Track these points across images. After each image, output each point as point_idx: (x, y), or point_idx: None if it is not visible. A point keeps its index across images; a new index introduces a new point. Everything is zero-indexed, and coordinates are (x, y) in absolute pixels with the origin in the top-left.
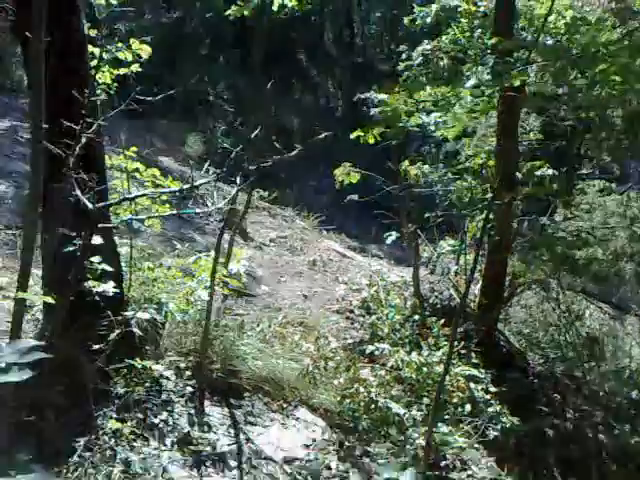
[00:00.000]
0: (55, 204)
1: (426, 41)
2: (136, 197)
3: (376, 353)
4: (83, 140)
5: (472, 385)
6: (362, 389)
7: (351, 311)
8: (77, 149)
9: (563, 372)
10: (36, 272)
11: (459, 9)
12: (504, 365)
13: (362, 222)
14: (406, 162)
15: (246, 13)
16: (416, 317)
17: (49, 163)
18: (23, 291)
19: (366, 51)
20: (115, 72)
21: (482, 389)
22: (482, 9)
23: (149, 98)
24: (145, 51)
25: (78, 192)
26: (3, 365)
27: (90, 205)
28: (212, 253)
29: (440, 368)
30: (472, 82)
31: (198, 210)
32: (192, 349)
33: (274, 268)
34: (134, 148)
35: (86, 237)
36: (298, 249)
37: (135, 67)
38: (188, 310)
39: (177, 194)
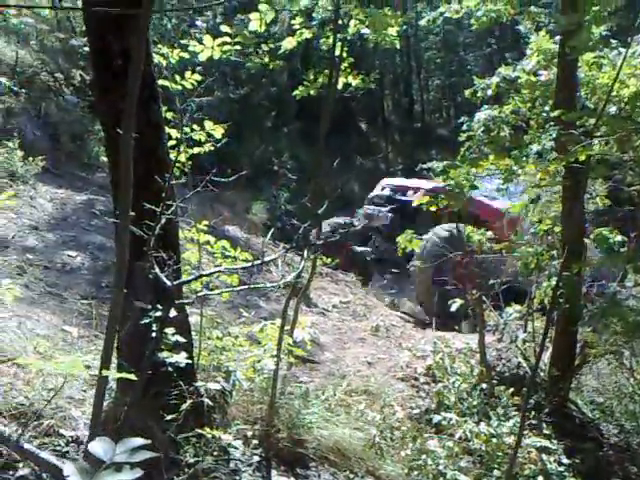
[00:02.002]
0: (136, 282)
1: (485, 106)
2: (212, 274)
3: (443, 423)
4: (162, 221)
5: (544, 457)
6: (430, 461)
7: (416, 379)
8: (157, 229)
9: (639, 444)
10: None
11: (519, 80)
12: (577, 436)
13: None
14: (469, 228)
15: (312, 93)
16: (483, 386)
17: (131, 242)
18: (106, 368)
19: (425, 117)
20: (190, 151)
21: (555, 461)
22: (543, 79)
23: (223, 179)
24: (218, 131)
25: (157, 270)
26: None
27: (169, 283)
28: (277, 320)
29: (510, 439)
30: (535, 149)
31: (269, 284)
32: (259, 417)
33: (337, 334)
34: (205, 221)
35: (164, 313)
36: (361, 314)
37: (208, 146)
38: (255, 378)
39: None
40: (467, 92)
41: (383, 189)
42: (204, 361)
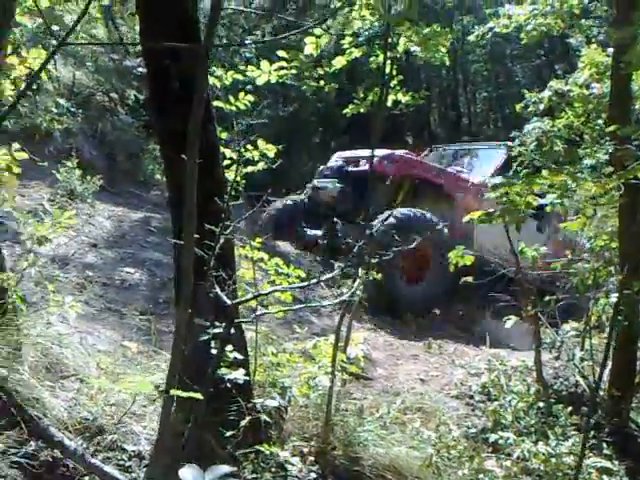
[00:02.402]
0: (198, 301)
1: (535, 119)
2: (269, 293)
3: (500, 442)
4: (221, 241)
5: (605, 478)
6: None
7: (471, 397)
8: (216, 249)
9: None
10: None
11: (572, 94)
12: (639, 457)
13: (474, 303)
14: (522, 244)
15: (362, 110)
16: (540, 404)
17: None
18: (171, 389)
19: (472, 129)
20: (244, 170)
21: None
22: (596, 92)
23: (274, 200)
24: (271, 150)
25: (217, 289)
26: None
27: (228, 302)
28: (330, 337)
29: (570, 459)
30: (589, 164)
31: (325, 302)
32: (314, 434)
33: (389, 350)
34: (259, 239)
35: (224, 332)
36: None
37: (262, 165)
38: (309, 395)
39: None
40: (518, 106)
41: (336, 162)
42: (260, 377)
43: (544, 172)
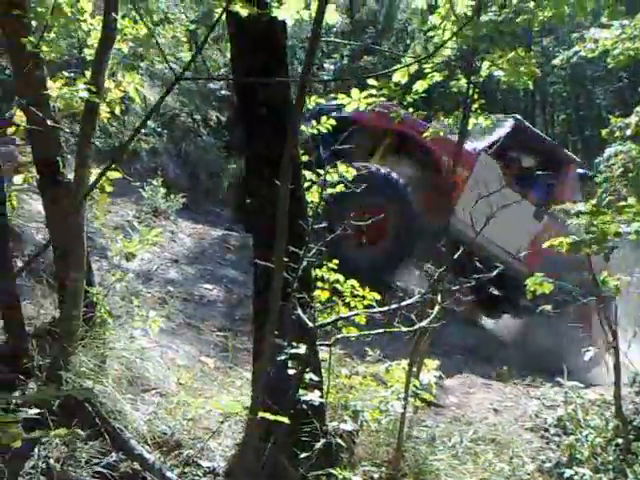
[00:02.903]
0: (283, 322)
1: (617, 142)
2: (350, 317)
3: (575, 478)
4: (304, 263)
5: None
6: None
7: (546, 429)
8: (300, 272)
9: None
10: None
11: None
12: None
13: (552, 331)
14: (604, 272)
15: (442, 134)
16: (619, 441)
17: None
18: (256, 411)
19: None
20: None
21: None
22: None
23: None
24: (350, 173)
25: (300, 311)
26: None
27: (310, 324)
28: (402, 361)
29: None
30: None
31: (405, 329)
32: (385, 460)
33: (461, 378)
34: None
35: (307, 354)
36: (483, 357)
37: (340, 187)
38: (381, 419)
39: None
40: (604, 132)
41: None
42: (332, 399)
43: (630, 200)
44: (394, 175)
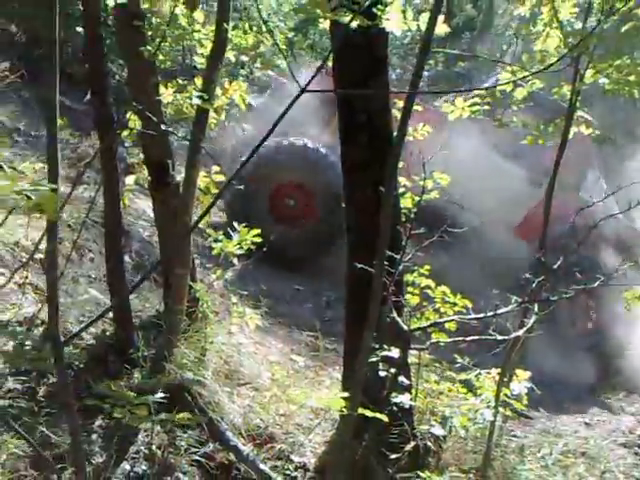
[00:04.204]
0: (379, 325)
1: None
2: (445, 322)
3: None
4: (400, 267)
5: None
6: None
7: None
8: (396, 276)
9: None
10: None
11: None
12: None
13: None
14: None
15: (541, 142)
16: None
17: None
18: (355, 408)
19: None
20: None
21: None
22: None
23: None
24: (444, 180)
25: (395, 315)
26: None
27: (405, 327)
28: (492, 370)
29: None
30: None
31: (500, 337)
32: (472, 467)
33: (552, 390)
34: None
35: (402, 357)
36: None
37: (435, 194)
38: (469, 427)
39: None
40: None
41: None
42: (420, 403)
43: None
44: (312, 146)
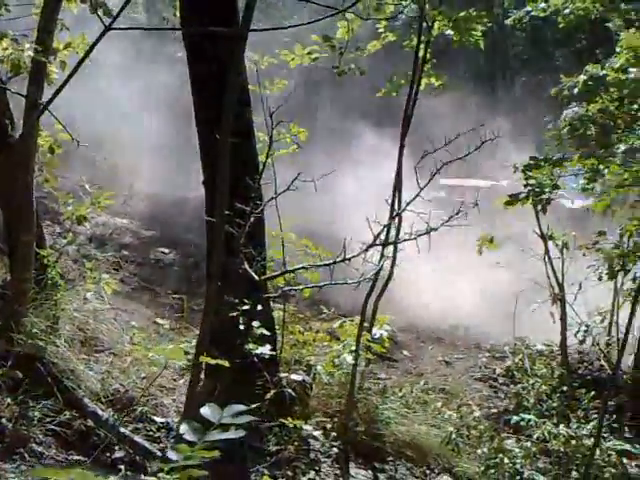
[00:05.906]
0: (229, 276)
1: (574, 104)
2: (295, 270)
3: (521, 424)
4: (251, 219)
5: (625, 460)
6: (507, 460)
7: (494, 379)
8: (247, 228)
9: None
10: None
11: (607, 78)
12: None
13: None
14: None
15: (394, 94)
16: (564, 388)
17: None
18: (200, 356)
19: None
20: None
21: (637, 465)
22: (632, 76)
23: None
24: (302, 133)
25: (246, 266)
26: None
27: (256, 277)
28: (356, 318)
29: (589, 442)
30: (623, 149)
31: (350, 281)
32: (337, 411)
33: (414, 333)
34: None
35: (253, 306)
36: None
37: (293, 148)
38: (334, 373)
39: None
40: (553, 91)
41: None
42: (286, 354)
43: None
44: None
